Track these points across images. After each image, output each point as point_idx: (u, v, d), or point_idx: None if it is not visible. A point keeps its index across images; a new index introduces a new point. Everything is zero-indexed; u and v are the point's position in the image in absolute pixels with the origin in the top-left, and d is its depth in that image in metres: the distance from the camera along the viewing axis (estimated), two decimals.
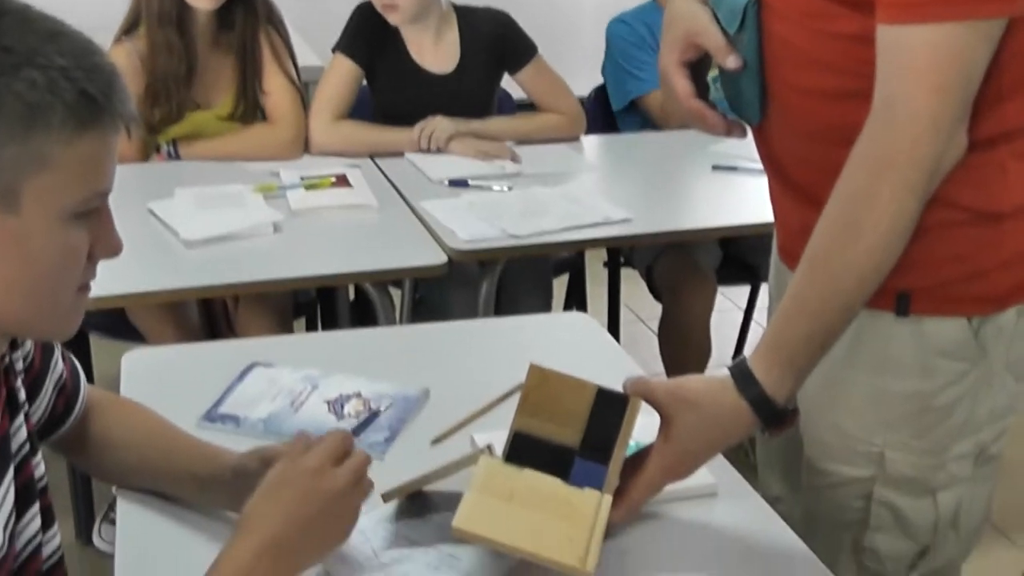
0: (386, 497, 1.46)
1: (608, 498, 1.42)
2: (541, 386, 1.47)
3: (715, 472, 1.59)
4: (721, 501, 1.59)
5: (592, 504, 1.41)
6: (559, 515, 1.38)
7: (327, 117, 3.30)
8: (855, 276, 1.40)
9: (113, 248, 1.18)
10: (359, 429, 1.37)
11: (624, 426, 1.44)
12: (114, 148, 1.13)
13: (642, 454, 1.47)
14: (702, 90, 1.68)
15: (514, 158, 3.28)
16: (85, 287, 1.19)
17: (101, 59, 1.11)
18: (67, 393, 1.46)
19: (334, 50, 3.37)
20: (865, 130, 1.40)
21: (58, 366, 1.44)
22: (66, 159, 1.08)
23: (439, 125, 3.29)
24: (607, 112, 3.78)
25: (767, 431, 1.45)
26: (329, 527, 1.26)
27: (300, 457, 1.27)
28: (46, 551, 1.33)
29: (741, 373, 1.44)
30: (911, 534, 1.68)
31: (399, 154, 3.31)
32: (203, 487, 1.48)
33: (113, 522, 1.59)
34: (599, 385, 1.47)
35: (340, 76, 3.34)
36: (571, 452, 1.45)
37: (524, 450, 1.45)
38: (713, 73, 1.67)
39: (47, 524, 1.33)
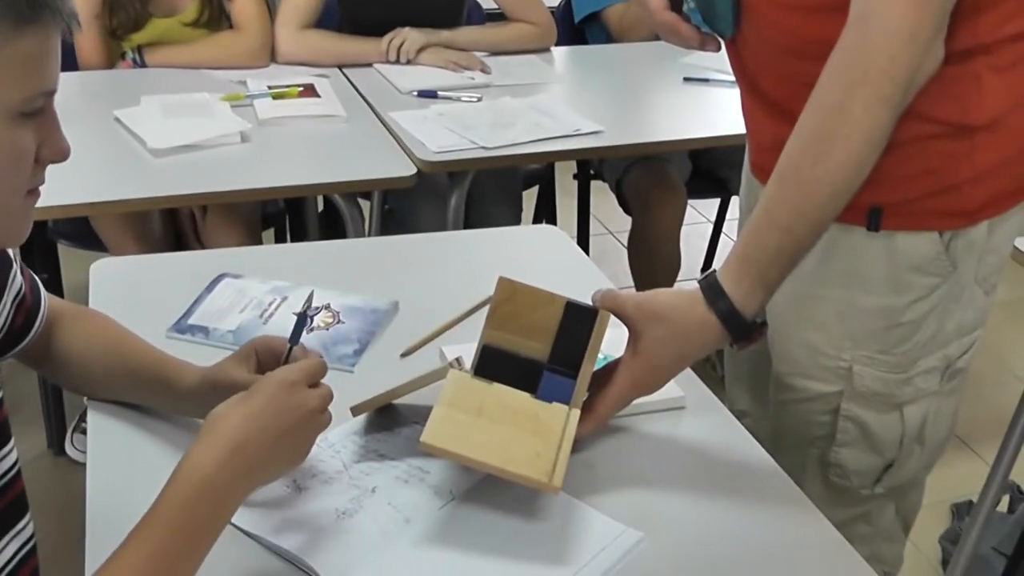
0: (355, 411, 1.46)
1: (576, 412, 1.42)
2: (510, 299, 1.46)
3: (683, 386, 1.59)
4: (688, 415, 1.59)
5: (560, 419, 1.41)
6: (527, 430, 1.38)
7: (294, 26, 3.26)
8: (826, 190, 1.39)
9: (61, 151, 1.15)
10: (292, 339, 1.36)
11: (592, 340, 1.44)
12: (56, 46, 1.10)
13: (610, 368, 1.47)
14: (676, 2, 1.66)
15: (484, 69, 3.26)
16: (34, 191, 1.16)
17: None
18: (27, 308, 1.44)
19: None
20: (840, 43, 1.38)
21: (16, 280, 1.41)
22: (7, 57, 1.05)
23: (409, 37, 3.26)
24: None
25: (735, 345, 1.45)
26: (293, 442, 1.23)
27: (277, 370, 1.25)
28: (2, 467, 1.30)
29: (710, 286, 1.43)
30: (877, 448, 1.69)
31: (367, 64, 3.29)
32: (168, 400, 1.48)
33: (85, 431, 1.58)
34: (568, 298, 1.46)
35: None
36: (540, 365, 1.45)
37: (493, 363, 1.45)
38: None
39: (3, 440, 1.31)
